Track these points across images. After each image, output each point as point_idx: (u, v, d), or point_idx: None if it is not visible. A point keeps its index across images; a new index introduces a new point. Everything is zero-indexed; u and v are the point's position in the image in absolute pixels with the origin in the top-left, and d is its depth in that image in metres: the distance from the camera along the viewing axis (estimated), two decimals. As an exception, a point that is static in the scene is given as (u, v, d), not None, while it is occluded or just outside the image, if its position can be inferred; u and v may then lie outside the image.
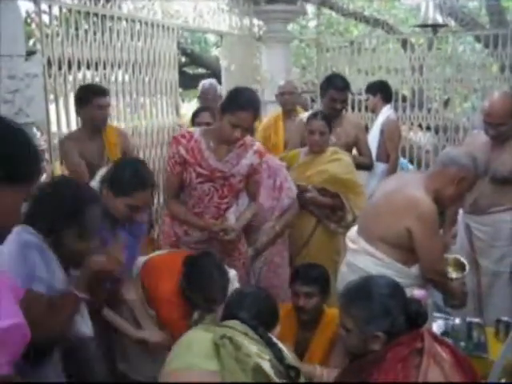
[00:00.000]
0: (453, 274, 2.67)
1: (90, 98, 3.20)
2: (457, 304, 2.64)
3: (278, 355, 1.60)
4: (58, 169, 3.42)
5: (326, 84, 3.91)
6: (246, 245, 2.95)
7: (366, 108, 6.49)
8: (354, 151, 4.07)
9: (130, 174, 2.18)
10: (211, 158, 2.68)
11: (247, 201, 2.94)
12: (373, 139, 4.57)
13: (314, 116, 3.43)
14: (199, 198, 2.72)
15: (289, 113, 4.53)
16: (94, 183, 2.31)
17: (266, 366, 1.52)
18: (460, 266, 2.71)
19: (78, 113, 3.36)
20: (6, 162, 1.22)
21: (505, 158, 3.13)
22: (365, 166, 4.09)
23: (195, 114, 3.89)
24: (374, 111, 4.81)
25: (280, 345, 1.68)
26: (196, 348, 1.61)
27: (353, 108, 6.61)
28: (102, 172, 2.34)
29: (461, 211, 3.39)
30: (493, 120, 3.07)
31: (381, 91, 4.76)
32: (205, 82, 4.49)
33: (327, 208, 3.35)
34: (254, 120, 2.67)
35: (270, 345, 1.63)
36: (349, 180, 3.34)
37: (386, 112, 4.70)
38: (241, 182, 2.77)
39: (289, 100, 4.48)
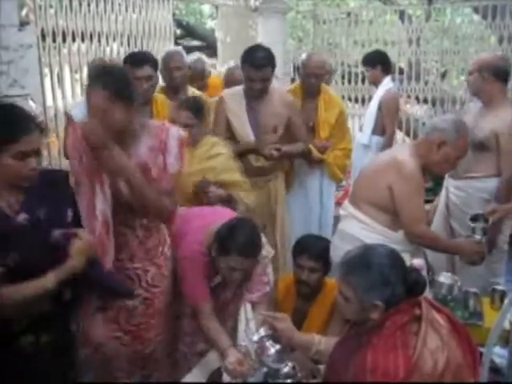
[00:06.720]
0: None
1: (128, 69, 2.88)
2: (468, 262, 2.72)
3: None
4: (54, 141, 3.40)
5: (243, 57, 3.14)
6: None
7: (363, 81, 6.46)
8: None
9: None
10: None
11: None
12: (371, 112, 4.51)
13: (179, 105, 2.88)
14: None
15: (311, 94, 3.72)
16: None
17: None
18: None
19: None
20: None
21: (482, 123, 3.13)
22: (303, 154, 3.49)
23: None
24: (375, 84, 4.59)
25: None
26: None
27: (349, 81, 6.56)
28: None
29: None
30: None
31: (380, 62, 4.55)
32: (169, 49, 3.70)
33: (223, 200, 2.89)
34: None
35: None
36: (234, 180, 2.95)
37: (387, 84, 4.52)
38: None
39: (315, 83, 3.65)
